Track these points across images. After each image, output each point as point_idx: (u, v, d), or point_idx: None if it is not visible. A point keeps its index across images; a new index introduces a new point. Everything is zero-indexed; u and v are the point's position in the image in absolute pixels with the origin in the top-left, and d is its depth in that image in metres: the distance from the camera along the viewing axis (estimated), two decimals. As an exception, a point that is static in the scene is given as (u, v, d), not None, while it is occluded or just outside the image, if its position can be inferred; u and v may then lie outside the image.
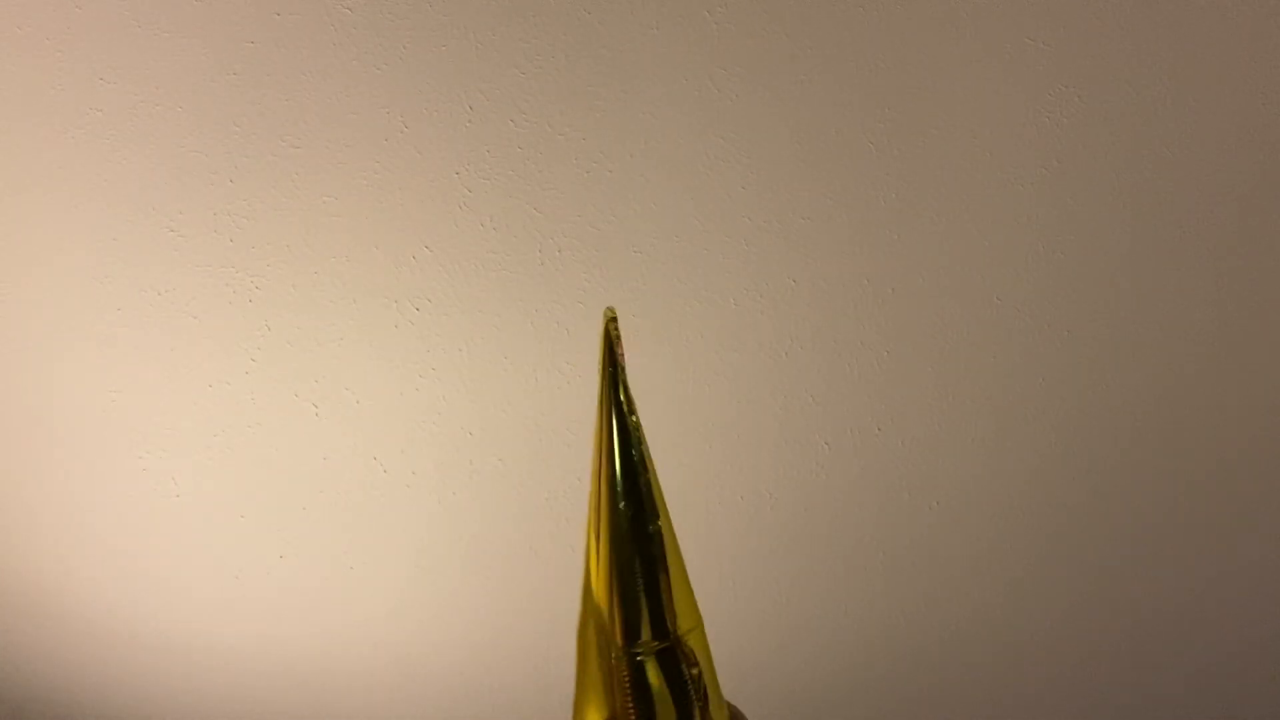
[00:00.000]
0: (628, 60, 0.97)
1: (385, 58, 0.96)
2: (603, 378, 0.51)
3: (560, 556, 1.38)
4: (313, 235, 1.07)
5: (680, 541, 0.53)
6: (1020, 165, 1.05)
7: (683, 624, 0.50)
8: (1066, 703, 1.67)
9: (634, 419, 0.50)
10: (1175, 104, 1.01)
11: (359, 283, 1.11)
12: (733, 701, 0.62)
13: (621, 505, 0.50)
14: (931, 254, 1.11)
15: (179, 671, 1.55)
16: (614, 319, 0.50)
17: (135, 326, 1.13)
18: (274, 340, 1.15)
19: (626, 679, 0.48)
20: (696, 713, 0.49)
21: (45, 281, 1.10)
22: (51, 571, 1.39)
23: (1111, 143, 1.04)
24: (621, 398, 0.50)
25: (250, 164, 1.02)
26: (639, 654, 0.48)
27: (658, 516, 0.51)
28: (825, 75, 0.99)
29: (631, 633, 0.48)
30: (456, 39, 0.95)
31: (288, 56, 0.96)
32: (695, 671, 0.49)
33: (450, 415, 1.22)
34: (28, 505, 1.31)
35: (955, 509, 1.35)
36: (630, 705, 0.48)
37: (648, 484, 0.51)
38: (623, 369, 0.51)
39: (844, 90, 1.00)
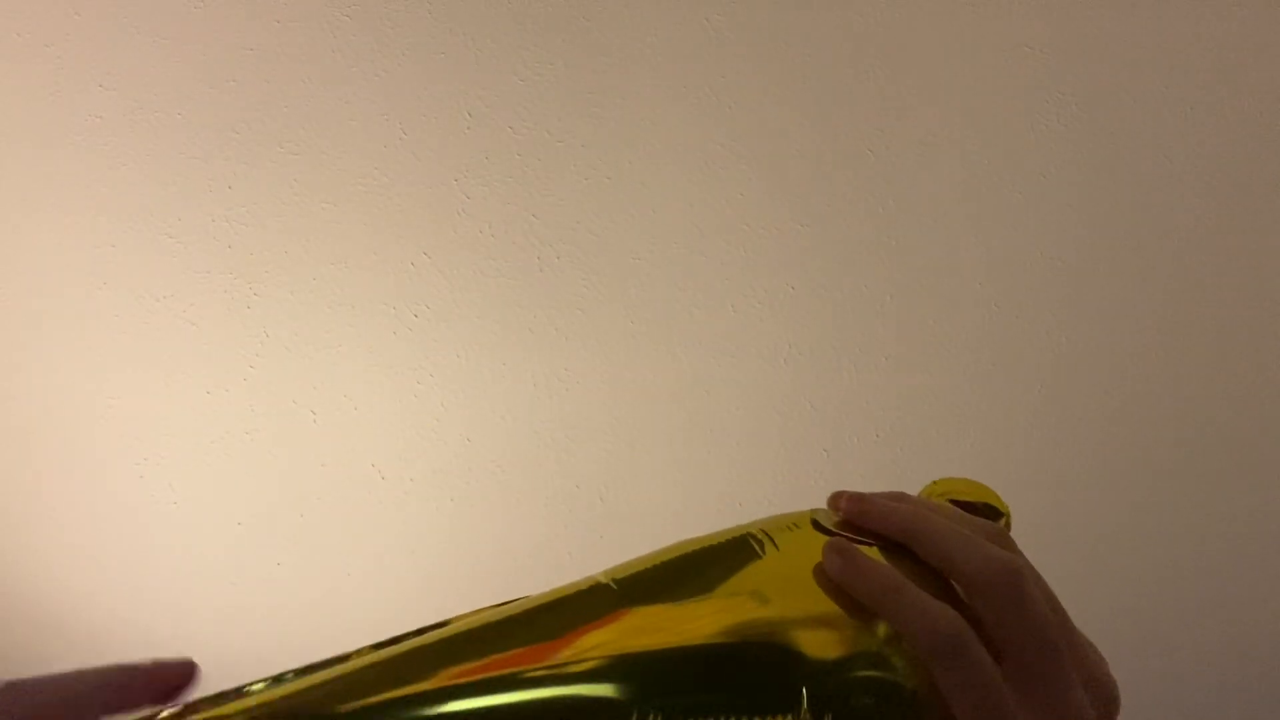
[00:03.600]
0: (626, 68, 0.98)
1: (384, 65, 0.96)
2: None
3: (559, 561, 1.38)
4: (311, 242, 1.07)
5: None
6: (1018, 172, 1.05)
7: None
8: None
9: None
10: (1173, 110, 1.02)
11: (357, 289, 1.10)
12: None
13: None
14: (929, 260, 1.11)
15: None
16: None
17: (133, 333, 1.13)
18: (272, 347, 1.15)
19: None
20: None
21: (43, 288, 1.10)
22: (47, 578, 1.38)
23: (1108, 150, 1.04)
24: None
25: (249, 171, 1.02)
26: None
27: None
28: (823, 82, 0.99)
29: None
30: (455, 46, 0.95)
31: (287, 64, 0.96)
32: None
33: (448, 422, 1.22)
34: (24, 512, 1.31)
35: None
36: None
37: None
38: None
39: (842, 97, 1.00)
